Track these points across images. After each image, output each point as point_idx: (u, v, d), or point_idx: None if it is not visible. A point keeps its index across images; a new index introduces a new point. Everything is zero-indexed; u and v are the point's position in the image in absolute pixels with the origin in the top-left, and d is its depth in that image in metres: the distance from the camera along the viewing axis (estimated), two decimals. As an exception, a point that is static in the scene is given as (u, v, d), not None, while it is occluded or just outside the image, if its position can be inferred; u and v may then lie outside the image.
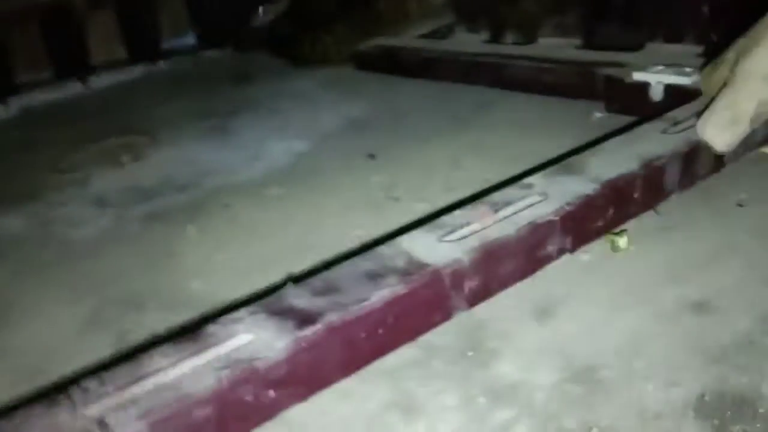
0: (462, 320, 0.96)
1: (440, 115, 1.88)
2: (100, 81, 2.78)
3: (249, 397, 0.78)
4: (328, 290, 0.88)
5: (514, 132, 1.64)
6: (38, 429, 0.72)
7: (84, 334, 1.11)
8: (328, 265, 0.97)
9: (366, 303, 0.85)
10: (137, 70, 2.88)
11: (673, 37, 1.77)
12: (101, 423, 0.72)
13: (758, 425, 0.75)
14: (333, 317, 0.83)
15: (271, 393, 0.80)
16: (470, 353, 0.93)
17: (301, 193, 1.52)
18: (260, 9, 2.58)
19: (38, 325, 1.16)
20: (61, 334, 1.11)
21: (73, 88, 2.74)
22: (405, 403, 0.86)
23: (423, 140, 1.71)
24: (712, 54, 1.65)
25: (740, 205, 1.18)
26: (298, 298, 0.88)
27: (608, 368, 0.87)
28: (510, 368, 0.90)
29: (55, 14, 2.58)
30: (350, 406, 0.87)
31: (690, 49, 1.69)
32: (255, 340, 0.81)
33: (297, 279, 0.93)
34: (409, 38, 2.37)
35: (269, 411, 0.80)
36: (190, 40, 3.05)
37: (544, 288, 1.03)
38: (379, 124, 1.90)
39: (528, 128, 1.65)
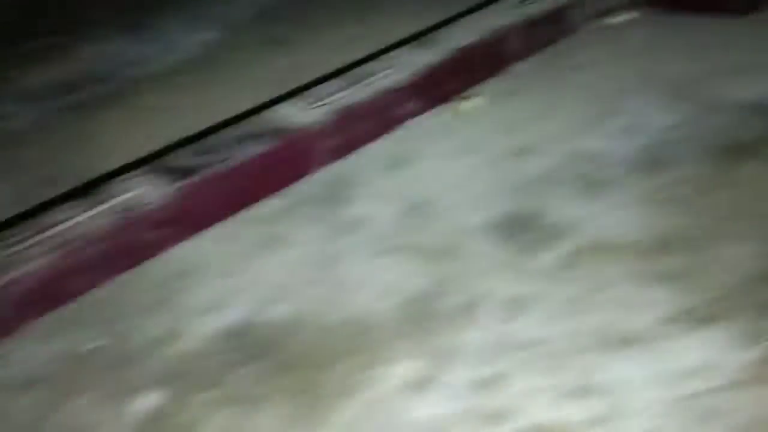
0: (325, 175, 1.15)
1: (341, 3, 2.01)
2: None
3: (136, 237, 0.98)
4: (209, 150, 1.07)
5: (403, 16, 1.79)
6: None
7: (3, 208, 1.28)
8: (212, 130, 1.14)
9: (237, 158, 1.04)
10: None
11: None
12: (19, 256, 0.91)
13: (537, 234, 0.97)
14: (209, 171, 1.02)
15: (155, 233, 0.99)
16: (330, 199, 1.13)
17: (208, 80, 1.67)
18: None
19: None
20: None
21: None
22: (274, 239, 1.07)
23: (329, 22, 1.84)
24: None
25: (575, 69, 1.37)
26: (182, 157, 1.06)
27: (436, 202, 1.08)
28: (360, 209, 1.10)
29: None
30: (226, 245, 1.06)
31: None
32: (143, 192, 1.00)
33: (182, 143, 1.11)
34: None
35: (155, 249, 1.00)
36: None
37: (397, 146, 1.22)
38: (287, 13, 2.03)
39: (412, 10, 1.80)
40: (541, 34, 1.35)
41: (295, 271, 0.99)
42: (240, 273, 1.00)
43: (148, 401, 0.79)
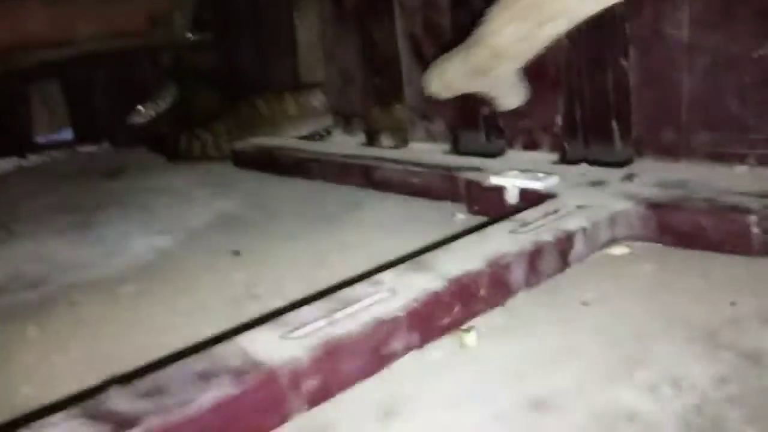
0: (300, 423, 0.92)
1: (310, 213, 1.88)
2: (-39, 174, 2.65)
3: None
4: (154, 392, 0.83)
5: (379, 231, 1.66)
6: None
7: None
8: (159, 365, 0.91)
9: (192, 405, 0.81)
10: (7, 165, 2.77)
11: (532, 145, 1.87)
12: None
13: None
14: (154, 421, 0.78)
15: (77, 507, 0.73)
16: (307, 458, 0.89)
17: (156, 290, 1.46)
18: (140, 107, 2.57)
19: None
20: None
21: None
22: None
23: (290, 238, 1.70)
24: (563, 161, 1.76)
25: (585, 304, 1.22)
26: (120, 400, 0.82)
27: (444, 470, 0.84)
28: (346, 473, 0.86)
29: None
30: None
31: (545, 156, 1.79)
32: (63, 449, 0.75)
33: (122, 380, 0.87)
34: (287, 139, 2.40)
35: None
36: (66, 135, 2.98)
37: (391, 387, 1.01)
38: (249, 221, 1.88)
39: (393, 228, 1.67)
40: (546, 264, 1.20)
41: None
42: None
43: None
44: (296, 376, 0.89)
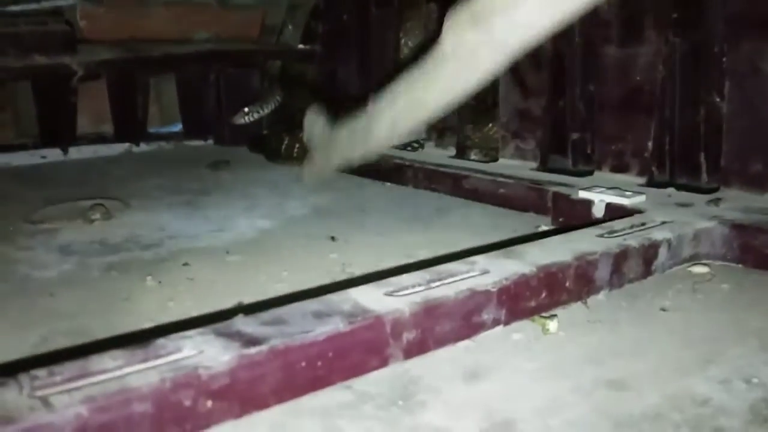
0: (396, 373, 1.03)
1: (401, 213, 2.00)
2: (81, 152, 2.88)
3: (187, 402, 0.83)
4: (275, 322, 0.95)
5: (466, 233, 1.76)
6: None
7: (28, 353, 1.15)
8: (279, 302, 1.03)
9: (309, 334, 0.92)
10: (119, 148, 2.99)
11: (620, 168, 1.94)
12: (45, 402, 0.76)
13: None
14: (276, 342, 0.90)
15: (209, 403, 0.84)
16: (400, 402, 0.99)
17: (259, 262, 1.60)
18: (245, 109, 2.75)
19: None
20: (5, 358, 1.13)
21: (52, 154, 2.84)
22: (334, 436, 0.91)
23: (382, 232, 1.81)
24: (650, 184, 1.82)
25: (663, 310, 1.28)
26: (246, 325, 0.94)
27: (524, 423, 0.93)
28: (435, 418, 0.95)
29: (50, 78, 2.70)
30: (281, 434, 0.91)
31: (633, 179, 1.86)
32: (200, 354, 0.87)
33: (247, 311, 0.99)
34: (382, 147, 2.54)
35: (204, 421, 0.84)
36: (175, 128, 3.19)
37: (476, 356, 1.10)
38: (344, 215, 2.01)
39: (480, 231, 1.76)
40: (629, 268, 1.27)
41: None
42: (293, 469, 0.84)
43: None
44: (398, 326, 0.99)
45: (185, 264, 1.58)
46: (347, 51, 2.82)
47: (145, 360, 0.85)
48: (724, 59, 1.69)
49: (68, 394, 0.78)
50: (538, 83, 2.11)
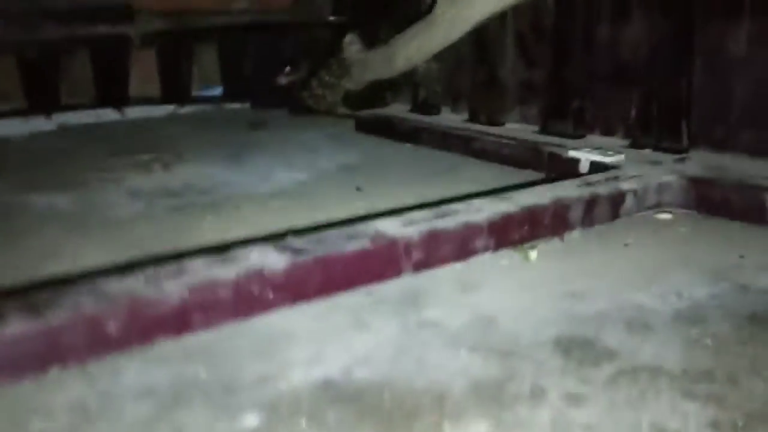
0: (406, 284, 1.34)
1: (418, 170, 2.31)
2: (133, 112, 3.21)
3: (256, 292, 1.15)
4: (317, 241, 1.27)
5: (474, 186, 2.06)
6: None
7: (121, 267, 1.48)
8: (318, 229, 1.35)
9: (343, 249, 1.24)
10: (166, 109, 3.32)
11: (608, 132, 2.23)
12: (158, 287, 1.09)
13: (589, 353, 1.12)
14: (318, 253, 1.22)
15: (271, 294, 1.17)
16: (409, 304, 1.31)
17: (297, 207, 1.92)
18: (288, 68, 3.04)
19: (84, 263, 1.51)
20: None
21: (108, 115, 3.17)
22: (359, 324, 1.23)
23: (401, 184, 2.12)
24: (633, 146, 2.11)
25: (626, 245, 1.59)
26: (295, 242, 1.26)
27: (503, 318, 1.25)
28: (435, 314, 1.27)
29: (107, 45, 3.03)
30: (319, 323, 1.23)
31: (619, 142, 2.16)
32: (264, 258, 1.19)
33: (295, 233, 1.31)
34: (400, 110, 2.84)
35: (267, 306, 1.17)
36: (216, 91, 3.51)
37: (469, 274, 1.42)
38: (368, 170, 2.32)
39: (485, 184, 2.07)
40: (600, 211, 1.57)
41: (377, 349, 1.15)
42: (331, 342, 1.17)
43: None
44: (409, 247, 1.31)
45: (236, 207, 1.91)
46: (375, 22, 3.08)
47: (224, 262, 1.17)
48: (696, 39, 1.96)
49: (173, 281, 1.10)
50: (541, 55, 2.39)
